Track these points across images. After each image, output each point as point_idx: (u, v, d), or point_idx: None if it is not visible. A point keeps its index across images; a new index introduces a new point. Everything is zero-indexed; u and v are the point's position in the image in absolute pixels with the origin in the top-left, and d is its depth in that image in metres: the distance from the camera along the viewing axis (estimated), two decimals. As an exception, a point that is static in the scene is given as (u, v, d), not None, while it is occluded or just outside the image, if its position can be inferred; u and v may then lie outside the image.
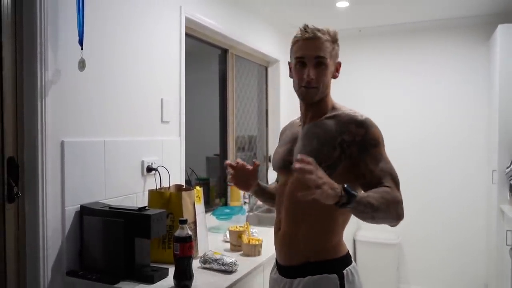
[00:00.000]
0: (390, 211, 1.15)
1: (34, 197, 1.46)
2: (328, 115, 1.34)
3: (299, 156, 1.06)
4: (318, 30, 1.32)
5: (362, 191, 1.22)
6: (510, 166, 3.00)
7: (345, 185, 1.07)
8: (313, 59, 1.30)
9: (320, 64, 1.31)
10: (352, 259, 1.36)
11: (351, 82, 4.06)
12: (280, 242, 1.37)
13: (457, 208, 3.69)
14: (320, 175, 1.03)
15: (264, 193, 1.61)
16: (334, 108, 1.37)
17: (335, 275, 1.26)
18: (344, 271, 1.28)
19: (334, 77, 1.38)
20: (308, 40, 1.31)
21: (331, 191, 1.03)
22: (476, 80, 3.62)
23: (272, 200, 1.58)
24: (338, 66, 1.39)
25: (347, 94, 4.03)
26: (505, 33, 3.07)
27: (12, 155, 1.45)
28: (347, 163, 1.26)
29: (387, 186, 1.19)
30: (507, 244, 2.79)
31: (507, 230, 2.81)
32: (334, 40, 1.34)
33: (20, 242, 1.48)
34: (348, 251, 1.37)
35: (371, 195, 1.14)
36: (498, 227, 3.07)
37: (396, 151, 3.87)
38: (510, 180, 2.98)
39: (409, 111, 3.85)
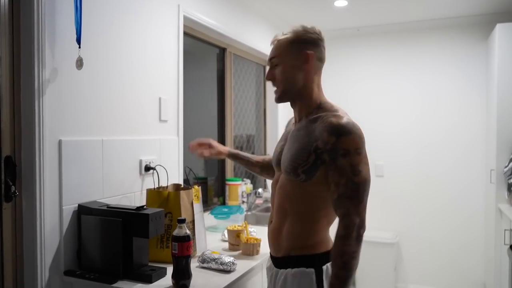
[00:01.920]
0: (353, 249, 1.19)
1: (31, 196, 1.45)
2: (313, 116, 1.34)
3: None
4: (290, 31, 1.39)
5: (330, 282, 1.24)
6: (508, 165, 3.00)
7: None
8: (269, 62, 1.41)
9: (274, 66, 1.40)
10: None
11: (349, 81, 4.06)
12: (270, 234, 1.45)
13: (455, 207, 3.69)
14: None
15: (238, 159, 1.81)
16: (320, 107, 1.35)
17: (312, 269, 1.31)
18: (324, 267, 1.31)
19: (306, 69, 1.35)
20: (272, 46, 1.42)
21: None
22: (474, 79, 3.62)
23: (252, 168, 1.80)
24: (306, 56, 1.34)
25: (345, 93, 4.04)
26: (503, 32, 3.07)
27: (9, 154, 1.44)
28: (323, 169, 1.27)
29: (340, 220, 1.23)
30: (505, 243, 2.80)
31: (505, 230, 2.81)
32: (297, 36, 1.36)
33: (18, 242, 1.47)
34: None
35: (335, 264, 1.21)
36: (496, 226, 3.07)
37: (392, 150, 3.90)
38: (508, 179, 2.99)
39: (407, 110, 3.86)
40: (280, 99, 1.41)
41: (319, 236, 1.35)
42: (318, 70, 1.39)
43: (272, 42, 1.41)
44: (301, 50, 1.34)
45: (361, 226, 1.21)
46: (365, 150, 1.25)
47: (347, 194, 1.20)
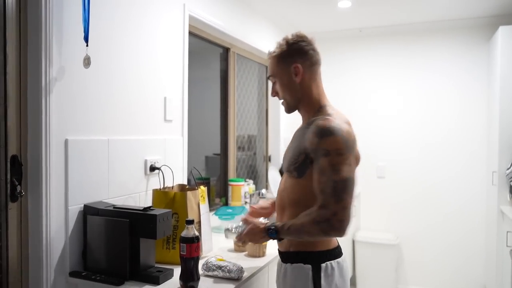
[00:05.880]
0: (312, 232, 1.28)
1: (37, 196, 1.43)
2: (311, 120, 1.40)
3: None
4: (276, 46, 1.46)
5: (286, 222, 1.36)
6: (510, 167, 3.00)
7: (268, 227, 1.38)
8: (269, 78, 1.52)
9: (273, 83, 1.50)
10: (342, 255, 1.43)
11: (350, 82, 4.05)
12: None
13: (457, 209, 3.69)
14: (243, 235, 1.47)
15: None
16: (319, 111, 1.42)
17: (309, 266, 1.36)
18: (323, 264, 1.36)
19: (297, 81, 1.43)
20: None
21: (256, 236, 1.42)
22: (476, 81, 3.62)
23: None
24: (294, 69, 1.42)
25: (347, 94, 4.03)
26: (506, 35, 3.08)
27: (15, 153, 1.42)
28: (312, 168, 1.34)
29: (317, 206, 1.29)
30: (507, 245, 2.80)
31: (507, 232, 2.81)
32: (282, 51, 1.43)
33: (23, 242, 1.45)
34: (337, 246, 1.44)
35: (295, 223, 1.32)
36: (498, 228, 3.08)
37: (394, 151, 3.89)
38: (510, 181, 2.99)
39: (409, 111, 3.85)
40: (287, 111, 1.52)
41: None
42: (313, 75, 1.45)
43: (268, 59, 1.50)
44: (289, 64, 1.42)
45: (332, 224, 1.24)
46: (349, 152, 1.29)
47: (327, 191, 1.26)
